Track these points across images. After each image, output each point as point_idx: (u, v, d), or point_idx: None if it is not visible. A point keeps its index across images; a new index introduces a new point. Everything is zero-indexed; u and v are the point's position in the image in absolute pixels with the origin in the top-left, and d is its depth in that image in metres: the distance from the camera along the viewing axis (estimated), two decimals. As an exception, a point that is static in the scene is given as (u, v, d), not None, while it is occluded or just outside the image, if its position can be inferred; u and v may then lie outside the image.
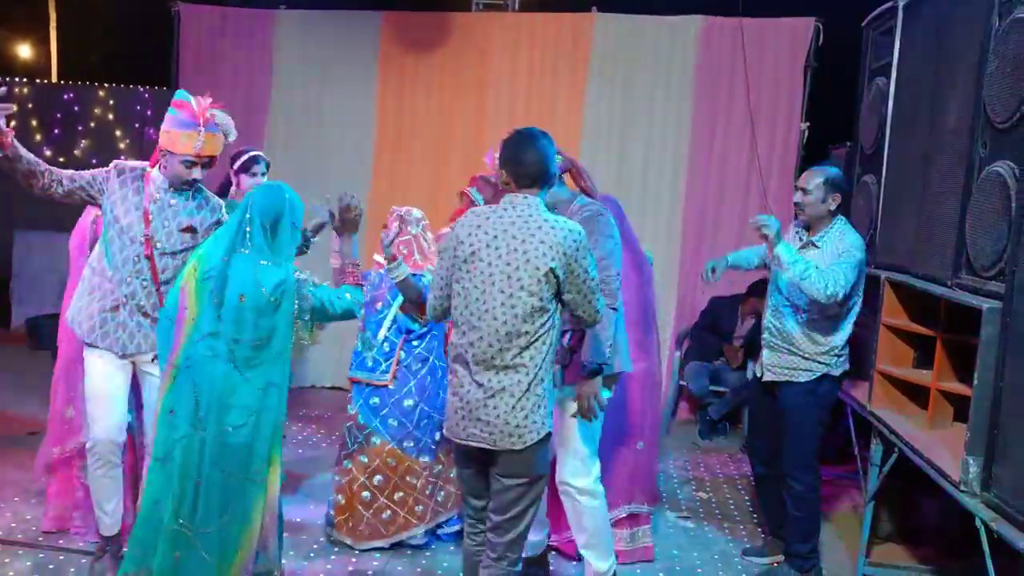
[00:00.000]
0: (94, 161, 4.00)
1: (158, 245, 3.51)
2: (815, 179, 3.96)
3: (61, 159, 8.69)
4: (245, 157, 4.52)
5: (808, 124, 6.65)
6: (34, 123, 9.56)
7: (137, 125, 9.37)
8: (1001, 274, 3.12)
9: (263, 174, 4.50)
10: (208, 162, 3.53)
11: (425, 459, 4.19)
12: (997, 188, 3.18)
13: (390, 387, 4.17)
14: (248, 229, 3.15)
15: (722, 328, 6.58)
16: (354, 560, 4.08)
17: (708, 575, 4.21)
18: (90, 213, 3.99)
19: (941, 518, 4.44)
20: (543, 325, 2.90)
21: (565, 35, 6.98)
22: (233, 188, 4.55)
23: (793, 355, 3.98)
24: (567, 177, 3.75)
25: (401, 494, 4.16)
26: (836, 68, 6.40)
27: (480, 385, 2.90)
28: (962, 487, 3.12)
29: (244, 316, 3.08)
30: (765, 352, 4.13)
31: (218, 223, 3.64)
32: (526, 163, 2.96)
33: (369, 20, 7.19)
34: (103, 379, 3.55)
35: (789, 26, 6.67)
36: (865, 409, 4.18)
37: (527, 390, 2.89)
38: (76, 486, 4.04)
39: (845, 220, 4.01)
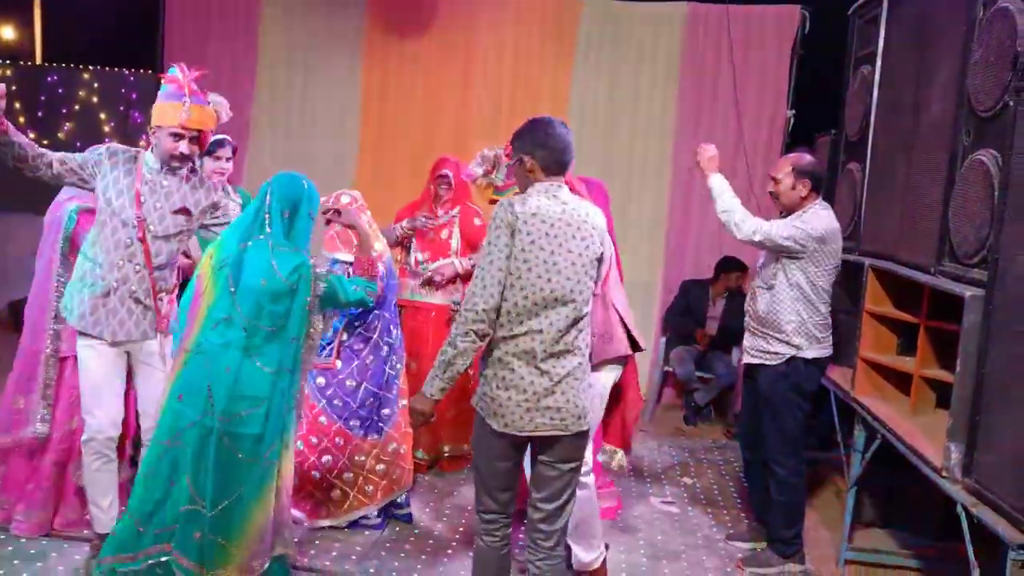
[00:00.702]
0: (78, 144, 3.96)
1: (151, 228, 3.45)
2: (783, 168, 4.00)
3: (45, 142, 8.60)
4: (211, 140, 4.37)
5: (794, 112, 6.67)
6: (17, 105, 9.46)
7: (122, 108, 9.29)
8: (984, 262, 3.14)
9: (228, 159, 4.44)
10: (196, 135, 3.47)
11: (374, 437, 4.19)
12: (980, 176, 3.20)
13: (335, 368, 4.17)
14: (267, 216, 3.16)
15: (695, 311, 6.59)
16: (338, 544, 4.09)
17: (692, 560, 4.24)
18: (67, 191, 3.86)
19: (923, 504, 4.48)
20: (589, 307, 2.99)
21: (551, 19, 6.98)
22: (198, 171, 4.46)
23: (765, 338, 4.01)
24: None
25: (350, 474, 4.17)
26: (822, 56, 6.41)
27: (545, 373, 2.86)
28: (944, 473, 3.15)
29: (261, 301, 3.08)
30: (745, 335, 4.17)
31: (214, 206, 3.62)
32: (556, 150, 2.94)
33: (354, 2, 7.16)
34: (98, 370, 3.49)
35: (775, 13, 6.68)
36: (849, 395, 4.21)
37: (583, 371, 2.96)
38: (23, 480, 3.85)
39: (825, 205, 4.01)
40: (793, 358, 3.96)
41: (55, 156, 3.42)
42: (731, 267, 6.43)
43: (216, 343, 3.09)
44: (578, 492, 3.47)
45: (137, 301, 3.47)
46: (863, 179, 4.56)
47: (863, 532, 4.51)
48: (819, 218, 3.91)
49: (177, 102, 3.41)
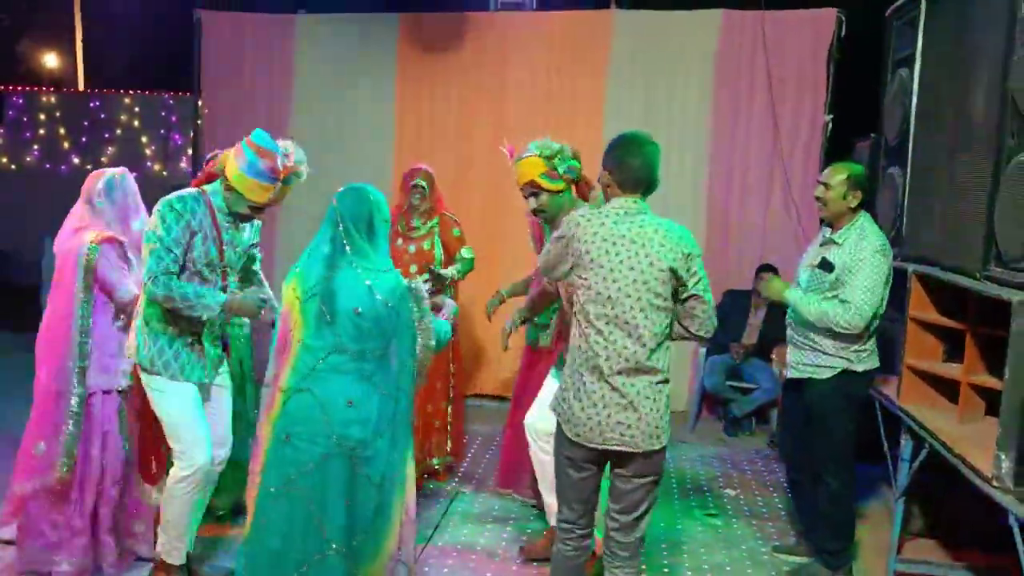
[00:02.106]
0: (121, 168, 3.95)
1: (229, 271, 3.53)
2: (838, 175, 3.92)
3: (88, 166, 8.78)
4: None
5: (832, 116, 6.58)
6: (62, 131, 9.68)
7: (162, 131, 9.47)
8: (1031, 266, 3.07)
9: None
10: (275, 203, 3.59)
11: None
12: (1026, 178, 3.12)
13: None
14: (345, 241, 3.05)
15: (733, 322, 6.51)
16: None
17: (737, 573, 4.19)
18: (76, 217, 3.76)
19: (973, 514, 4.38)
20: (667, 325, 2.97)
21: (584, 32, 6.95)
22: None
23: (814, 351, 3.95)
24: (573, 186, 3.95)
25: None
26: (860, 59, 6.33)
27: (616, 390, 2.91)
28: (994, 483, 3.07)
29: (362, 325, 2.99)
30: (789, 349, 4.11)
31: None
32: (633, 168, 2.99)
33: (387, 23, 7.21)
34: (191, 406, 3.49)
35: (811, 18, 6.60)
36: (894, 404, 4.13)
37: (660, 391, 2.97)
38: (44, 528, 3.70)
39: (868, 217, 3.96)
40: (846, 371, 3.89)
41: (174, 279, 3.34)
42: (761, 269, 6.38)
43: (325, 373, 2.99)
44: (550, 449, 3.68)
45: (218, 338, 3.58)
46: (904, 184, 4.48)
47: (912, 543, 4.42)
48: (875, 243, 3.83)
49: (269, 184, 3.41)
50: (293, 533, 2.98)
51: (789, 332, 4.09)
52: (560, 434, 3.06)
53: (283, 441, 3.00)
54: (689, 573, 4.15)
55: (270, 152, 3.39)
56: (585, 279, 2.95)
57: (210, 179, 3.60)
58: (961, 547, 4.40)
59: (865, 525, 4.75)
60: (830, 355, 3.91)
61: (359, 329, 2.99)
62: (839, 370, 3.90)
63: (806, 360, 3.99)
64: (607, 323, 2.92)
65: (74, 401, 3.62)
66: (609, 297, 2.91)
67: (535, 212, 3.91)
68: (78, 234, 3.69)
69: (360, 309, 2.98)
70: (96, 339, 3.68)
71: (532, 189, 3.85)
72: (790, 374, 4.10)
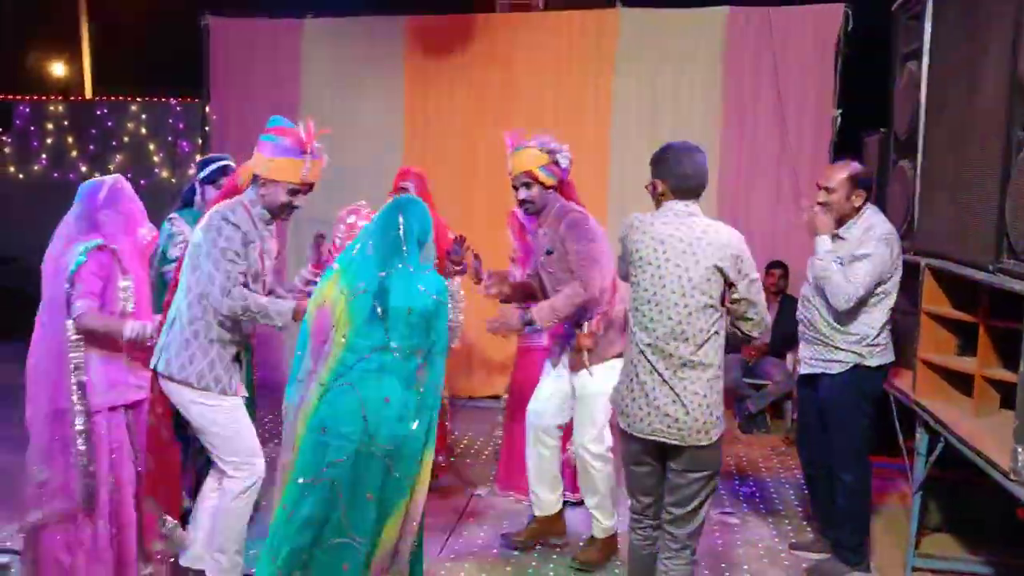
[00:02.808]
0: (129, 175, 3.91)
1: (266, 279, 3.53)
2: (838, 175, 3.92)
3: (96, 174, 8.80)
4: (214, 167, 4.31)
5: (840, 111, 6.56)
6: (71, 140, 9.71)
7: (170, 138, 9.49)
8: (1045, 258, 3.05)
9: None
10: (309, 189, 3.48)
11: None
12: (1037, 170, 3.11)
13: None
14: (405, 245, 3.09)
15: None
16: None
17: (755, 571, 4.18)
18: (65, 234, 3.52)
19: (991, 508, 4.36)
20: (715, 323, 3.06)
21: (590, 31, 6.96)
22: (197, 198, 4.35)
23: (825, 346, 3.94)
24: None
25: None
26: (867, 53, 6.30)
27: (665, 383, 3.04)
28: (1012, 476, 3.06)
29: (413, 323, 3.02)
30: (801, 345, 4.11)
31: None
32: (686, 176, 3.13)
33: (393, 25, 7.23)
34: (244, 418, 3.51)
35: (817, 12, 6.59)
36: (909, 398, 4.12)
37: (710, 387, 3.06)
38: (61, 557, 3.48)
39: (876, 209, 3.95)
40: (858, 366, 3.88)
41: (245, 290, 3.36)
42: (770, 266, 6.36)
43: (368, 371, 3.00)
44: (600, 467, 4.08)
45: (249, 350, 3.59)
46: (915, 177, 4.46)
47: (930, 538, 4.40)
48: (882, 233, 3.84)
49: (298, 158, 3.38)
50: (317, 523, 2.98)
51: (801, 328, 4.09)
52: (619, 429, 3.22)
53: (319, 434, 3.00)
54: (706, 572, 4.14)
55: (289, 129, 3.40)
56: (636, 277, 3.11)
57: (230, 194, 3.55)
58: (979, 542, 4.38)
59: (882, 520, 4.74)
60: (841, 350, 3.90)
61: (409, 327, 3.02)
62: (851, 365, 3.89)
63: (818, 355, 3.99)
64: (655, 320, 3.04)
65: (79, 420, 3.42)
66: (655, 294, 3.04)
67: (522, 203, 4.06)
68: (71, 247, 3.47)
69: (412, 307, 3.02)
70: (99, 354, 3.49)
71: (526, 179, 3.98)
72: (803, 370, 4.09)
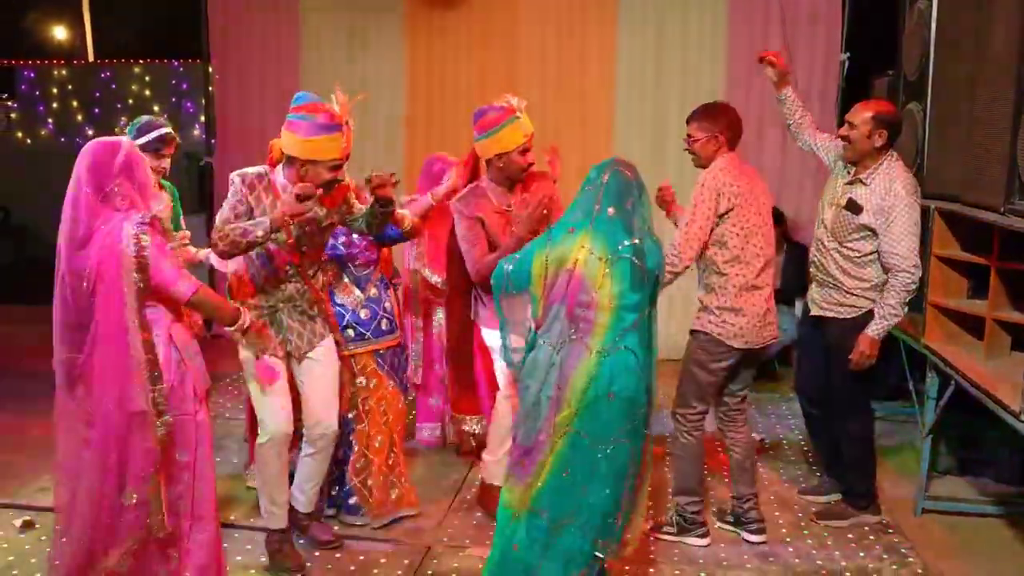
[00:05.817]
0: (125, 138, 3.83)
1: (303, 248, 3.52)
2: (864, 113, 3.83)
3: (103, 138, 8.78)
4: (154, 135, 4.04)
5: (848, 54, 6.46)
6: (75, 104, 9.69)
7: (174, 99, 9.46)
8: (1056, 198, 3.03)
9: (169, 156, 4.16)
10: (347, 159, 3.43)
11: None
12: (1049, 109, 3.07)
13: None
14: (642, 209, 3.08)
15: None
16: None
17: (765, 516, 4.20)
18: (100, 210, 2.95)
19: (1001, 449, 4.38)
20: None
21: (593, -22, 6.85)
22: None
23: (838, 290, 3.91)
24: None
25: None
26: (875, -6, 6.20)
27: (765, 299, 3.75)
28: (1022, 417, 3.07)
29: (655, 286, 3.08)
30: (812, 286, 4.08)
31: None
32: (739, 127, 3.80)
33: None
34: (267, 378, 3.52)
35: (824, -46, 6.47)
36: (919, 342, 4.11)
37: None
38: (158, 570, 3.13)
39: (896, 157, 3.88)
40: (870, 311, 3.85)
41: (226, 228, 3.26)
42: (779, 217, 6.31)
43: (636, 333, 3.00)
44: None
45: (303, 312, 3.58)
46: (924, 120, 4.42)
47: (940, 481, 4.43)
48: (906, 185, 3.78)
49: (337, 134, 3.31)
50: (624, 476, 3.01)
51: (812, 269, 4.06)
52: (717, 350, 3.74)
53: (607, 400, 2.96)
54: (716, 519, 4.17)
55: (319, 104, 3.33)
56: (736, 218, 3.67)
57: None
58: (990, 483, 4.40)
59: (893, 464, 4.76)
60: (855, 295, 3.87)
61: (655, 289, 3.09)
62: (864, 311, 3.87)
63: (830, 299, 3.96)
64: (758, 252, 3.71)
65: (162, 430, 2.99)
66: (754, 231, 3.70)
67: (527, 168, 3.93)
68: (111, 226, 2.93)
69: (658, 271, 3.08)
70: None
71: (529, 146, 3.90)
72: (812, 311, 4.07)
